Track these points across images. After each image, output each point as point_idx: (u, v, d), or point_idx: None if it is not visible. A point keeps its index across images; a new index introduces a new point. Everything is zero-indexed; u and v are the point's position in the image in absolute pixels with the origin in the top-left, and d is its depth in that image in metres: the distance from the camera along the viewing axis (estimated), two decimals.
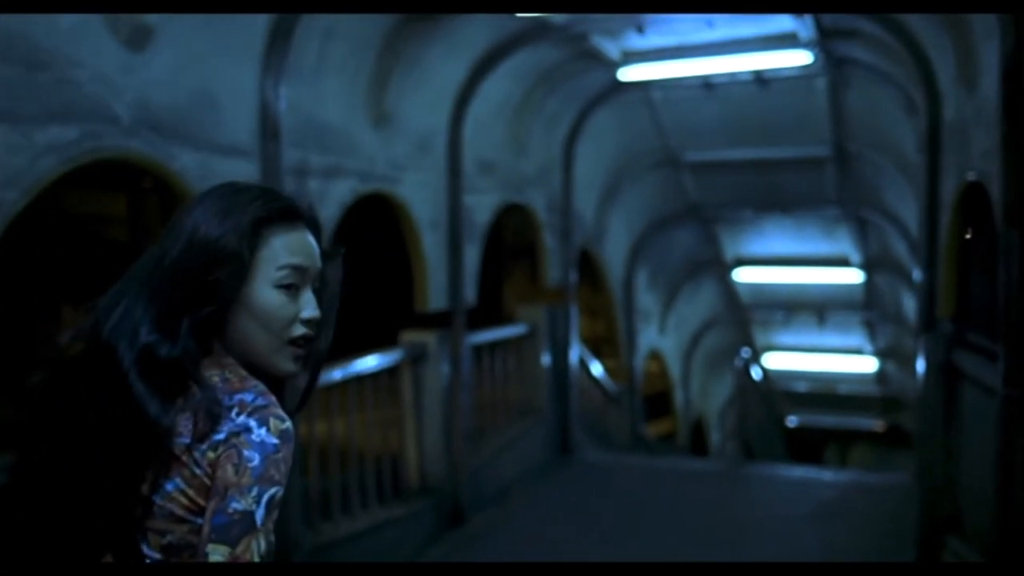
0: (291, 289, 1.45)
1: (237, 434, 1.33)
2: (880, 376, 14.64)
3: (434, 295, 6.95)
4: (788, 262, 12.10)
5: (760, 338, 14.42)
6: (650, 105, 9.61)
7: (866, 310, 12.79)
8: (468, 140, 7.34)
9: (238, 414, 1.35)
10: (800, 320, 13.24)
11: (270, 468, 1.31)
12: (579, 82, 8.63)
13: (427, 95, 6.66)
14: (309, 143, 5.19)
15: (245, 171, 4.46)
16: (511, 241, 11.61)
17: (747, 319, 13.86)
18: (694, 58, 8.01)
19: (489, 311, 10.06)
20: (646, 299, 11.96)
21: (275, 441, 1.33)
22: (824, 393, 15.41)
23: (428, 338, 6.99)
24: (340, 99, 5.56)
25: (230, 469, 1.30)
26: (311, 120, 5.24)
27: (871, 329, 13.28)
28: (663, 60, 8.10)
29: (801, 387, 15.33)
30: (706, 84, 9.00)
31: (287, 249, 1.45)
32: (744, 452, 9.37)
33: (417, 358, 6.93)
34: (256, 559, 1.27)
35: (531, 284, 10.04)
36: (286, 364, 1.46)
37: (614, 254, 11.06)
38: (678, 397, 13.34)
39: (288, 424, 1.36)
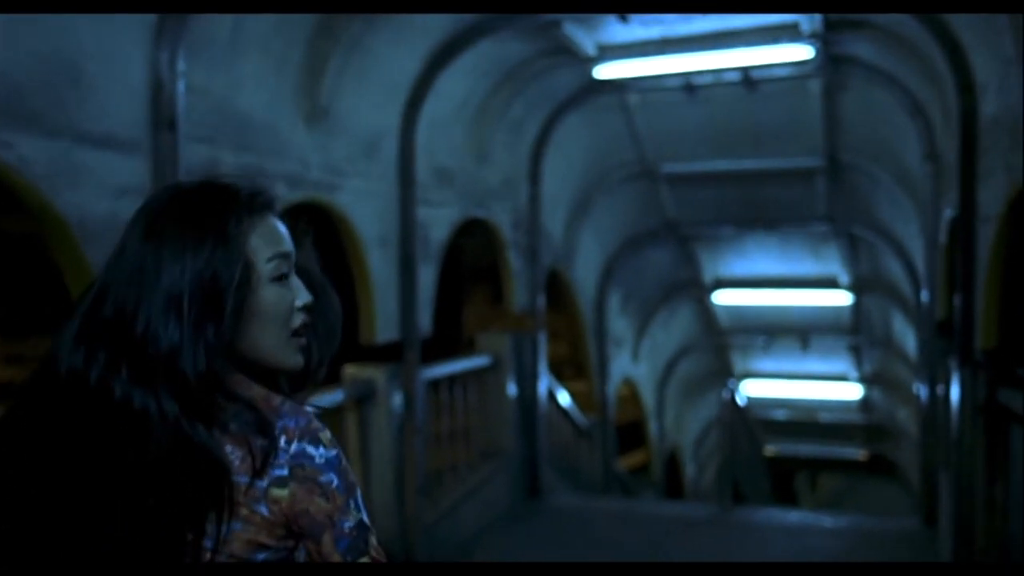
0: (282, 279, 1.41)
1: (301, 465, 1.31)
2: (865, 404, 13.83)
3: (383, 324, 5.93)
4: (771, 283, 11.24)
5: (738, 364, 13.54)
6: (625, 110, 8.69)
7: (853, 334, 11.97)
8: (422, 145, 6.37)
9: (288, 442, 1.31)
10: (782, 345, 12.39)
11: (346, 476, 1.33)
12: (549, 81, 7.68)
13: (373, 89, 5.66)
14: (220, 138, 4.16)
15: (127, 169, 3.43)
16: (472, 261, 10.61)
17: (725, 344, 12.99)
18: (679, 53, 7.09)
19: (447, 340, 9.06)
20: (618, 324, 11.02)
21: (334, 452, 1.34)
22: (804, 421, 14.59)
23: (376, 374, 5.98)
24: (263, 86, 4.53)
25: (320, 501, 1.31)
26: (224, 109, 4.21)
27: (858, 354, 12.46)
28: (644, 56, 7.17)
29: (780, 415, 14.48)
30: (688, 86, 8.10)
31: (269, 239, 1.40)
32: (731, 492, 8.41)
33: (363, 398, 5.92)
34: (381, 553, 1.33)
35: (494, 309, 9.05)
36: (294, 357, 1.43)
37: (585, 275, 10.10)
38: (652, 428, 12.40)
39: (327, 430, 1.35)
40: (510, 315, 8.40)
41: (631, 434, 12.21)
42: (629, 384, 11.70)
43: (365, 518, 1.33)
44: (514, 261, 8.29)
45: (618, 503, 9.18)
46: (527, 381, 8.39)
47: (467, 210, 7.30)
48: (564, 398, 9.37)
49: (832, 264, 10.71)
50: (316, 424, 1.34)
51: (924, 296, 7.74)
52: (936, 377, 7.51)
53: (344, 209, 5.36)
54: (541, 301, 8.62)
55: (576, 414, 9.68)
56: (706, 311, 12.29)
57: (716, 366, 13.44)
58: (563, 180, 9.16)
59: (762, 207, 9.92)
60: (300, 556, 1.35)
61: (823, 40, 6.81)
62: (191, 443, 1.25)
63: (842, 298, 11.18)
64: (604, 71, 7.36)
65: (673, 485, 13.31)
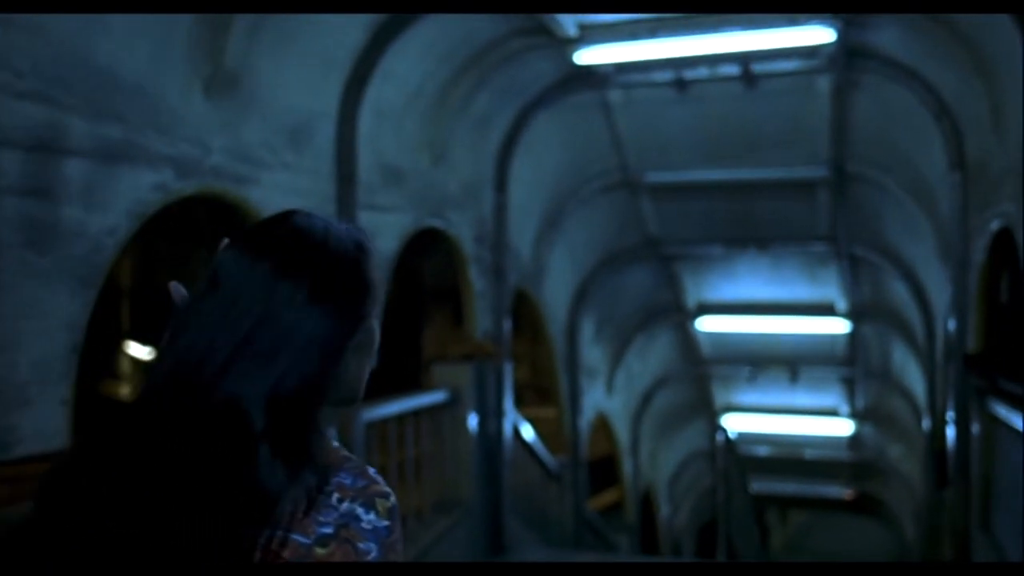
0: None
1: (346, 526, 1.19)
2: (854, 441, 12.79)
3: None
4: (760, 309, 10.19)
5: (720, 397, 12.46)
6: (607, 110, 7.61)
7: (848, 366, 10.95)
8: (367, 136, 5.25)
9: (340, 500, 1.20)
10: (769, 377, 11.33)
11: (388, 555, 1.20)
12: (521, 69, 6.57)
13: (303, 59, 4.51)
14: (68, 95, 2.98)
15: None
16: (435, 281, 9.46)
17: (707, 375, 11.90)
18: (672, 36, 6.03)
19: (401, 372, 7.88)
20: (593, 353, 9.89)
21: (386, 523, 1.20)
22: (787, 458, 13.53)
23: None
24: (139, 36, 3.35)
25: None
26: (75, 59, 3.03)
27: (851, 387, 11.44)
28: (632, 39, 6.10)
29: (762, 451, 13.40)
30: (678, 81, 7.05)
31: None
32: (726, 546, 7.27)
33: None
34: None
35: (455, 334, 7.88)
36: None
37: (555, 297, 8.96)
38: (626, 466, 11.28)
39: (393, 499, 1.23)
40: (471, 341, 7.24)
41: (603, 471, 11.11)
42: (602, 417, 10.56)
43: None
44: (476, 280, 7.15)
45: (594, 560, 8.01)
46: (490, 419, 7.22)
47: (421, 219, 6.15)
48: (529, 433, 8.19)
49: (829, 288, 9.67)
50: (378, 489, 1.23)
51: (950, 325, 6.69)
52: (966, 417, 6.46)
53: (260, 208, 4.17)
54: (507, 325, 7.49)
55: (544, 454, 8.51)
56: (687, 338, 11.20)
57: (695, 399, 12.35)
58: (534, 188, 8.05)
59: (755, 224, 8.87)
60: None
61: (844, 22, 5.78)
62: (253, 469, 1.16)
63: (838, 326, 10.15)
64: (586, 56, 6.27)
65: (647, 527, 12.20)
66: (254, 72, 4.08)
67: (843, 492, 14.25)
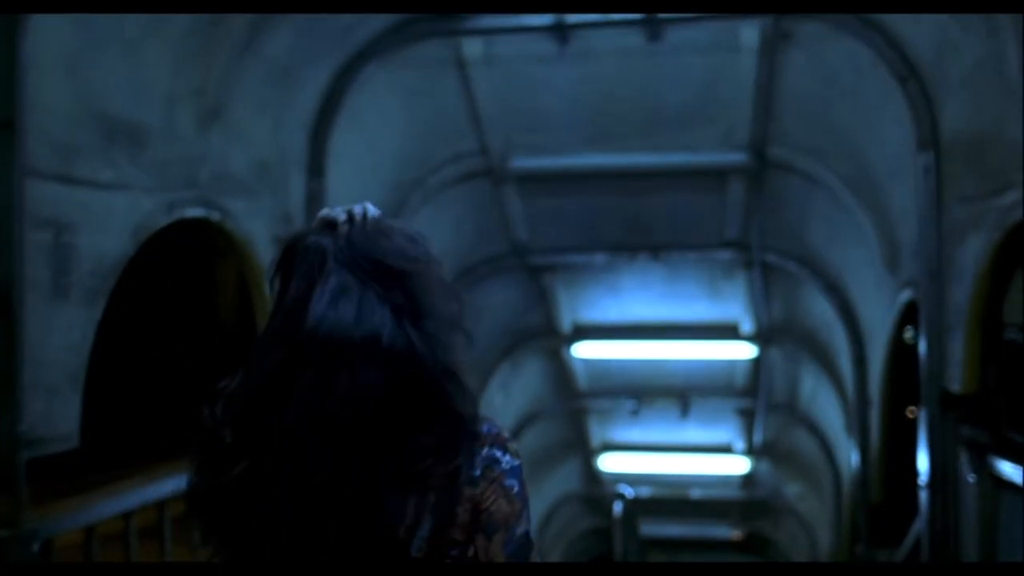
0: None
1: (490, 467, 1.41)
2: (748, 479, 11.23)
3: None
4: (650, 332, 8.44)
5: (597, 434, 10.66)
6: (461, 69, 5.67)
7: (748, 396, 9.31)
8: (60, 57, 3.11)
9: (480, 446, 1.41)
10: (656, 410, 9.59)
11: (525, 487, 1.44)
12: None
13: None
14: None
15: None
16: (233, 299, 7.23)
17: (582, 409, 10.07)
18: None
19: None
20: None
21: (518, 462, 1.44)
22: (670, 499, 11.89)
23: None
24: None
25: (503, 503, 1.40)
26: None
27: (749, 421, 9.82)
28: None
29: (643, 492, 11.69)
30: (558, 27, 5.17)
31: None
32: None
33: None
34: None
35: None
36: None
37: None
38: None
39: (515, 440, 1.47)
40: None
41: None
42: None
43: (532, 532, 1.44)
44: None
45: None
46: None
47: (175, 205, 4.00)
48: None
49: (734, 306, 8.00)
50: (505, 434, 1.46)
51: (921, 348, 5.03)
52: (951, 478, 4.80)
53: None
54: None
55: None
56: (561, 367, 9.33)
57: (569, 437, 10.51)
58: (364, 174, 6.02)
59: (648, 226, 7.10)
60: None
61: None
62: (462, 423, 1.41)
63: (741, 350, 8.48)
64: None
65: None
66: None
67: (731, 533, 12.85)
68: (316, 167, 5.43)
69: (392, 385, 1.32)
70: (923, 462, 5.00)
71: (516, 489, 1.39)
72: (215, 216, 4.35)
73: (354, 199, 4.56)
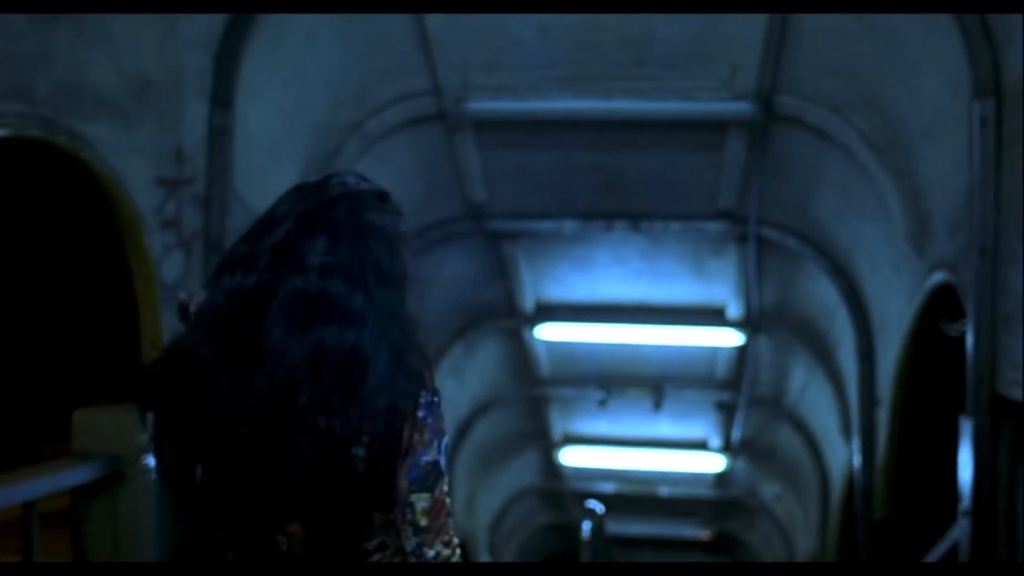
0: None
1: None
2: (722, 477, 10.35)
3: None
4: (624, 314, 7.50)
5: (559, 425, 9.69)
6: None
7: (729, 389, 8.38)
8: None
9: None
10: (626, 401, 8.66)
11: (441, 421, 1.53)
12: None
13: None
14: None
15: None
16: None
17: (544, 397, 9.08)
18: None
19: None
20: None
21: (435, 399, 1.52)
22: (637, 496, 11.02)
23: None
24: None
25: (414, 432, 1.49)
26: None
27: (728, 415, 8.90)
28: None
29: (608, 488, 10.80)
30: None
31: None
32: None
33: None
34: (447, 499, 1.51)
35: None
36: None
37: None
38: None
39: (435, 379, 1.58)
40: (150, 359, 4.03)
41: None
42: None
43: (443, 463, 1.51)
44: (162, 257, 3.97)
45: None
46: None
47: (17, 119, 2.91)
48: None
49: (721, 287, 7.05)
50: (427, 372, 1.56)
51: (968, 343, 4.09)
52: (993, 493, 3.88)
53: None
54: None
55: None
56: (521, 350, 8.34)
57: (528, 426, 9.55)
58: (287, 113, 4.98)
59: (629, 189, 6.16)
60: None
61: None
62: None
63: (726, 337, 7.53)
64: None
65: None
66: None
67: (700, 532, 12.10)
68: (222, 96, 4.41)
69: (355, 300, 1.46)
70: (965, 482, 4.07)
71: (428, 420, 1.48)
72: (60, 140, 3.25)
73: (275, 142, 3.65)
